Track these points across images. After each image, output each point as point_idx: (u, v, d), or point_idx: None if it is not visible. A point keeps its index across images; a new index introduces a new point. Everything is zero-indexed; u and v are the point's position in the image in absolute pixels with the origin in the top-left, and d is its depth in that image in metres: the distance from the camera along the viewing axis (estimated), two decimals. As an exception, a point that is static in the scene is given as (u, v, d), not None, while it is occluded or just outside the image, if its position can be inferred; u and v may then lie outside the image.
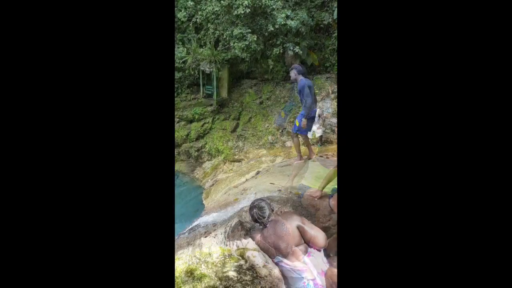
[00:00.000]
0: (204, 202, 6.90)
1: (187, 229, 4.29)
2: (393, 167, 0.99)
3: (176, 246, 3.60)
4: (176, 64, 8.80)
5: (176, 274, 2.31)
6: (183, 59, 8.66)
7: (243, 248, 2.75)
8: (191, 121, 9.50)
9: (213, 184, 7.35)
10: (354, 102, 1.05)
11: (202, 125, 9.70)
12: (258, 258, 2.49)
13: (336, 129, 5.08)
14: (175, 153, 9.10)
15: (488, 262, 0.86)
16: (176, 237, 4.63)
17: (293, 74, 4.26)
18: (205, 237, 3.57)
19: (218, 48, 8.29)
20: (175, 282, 2.22)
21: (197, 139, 9.28)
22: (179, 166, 9.12)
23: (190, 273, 2.32)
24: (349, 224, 1.02)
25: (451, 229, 0.91)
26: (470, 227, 0.90)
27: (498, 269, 0.85)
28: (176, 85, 11.90)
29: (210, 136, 9.31)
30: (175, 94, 11.96)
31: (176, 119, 10.52)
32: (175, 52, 8.66)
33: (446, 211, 0.92)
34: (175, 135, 9.35)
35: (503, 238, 0.86)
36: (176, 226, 6.54)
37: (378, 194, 0.99)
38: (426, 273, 0.92)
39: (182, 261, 2.51)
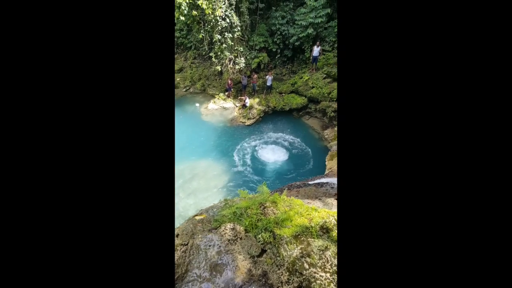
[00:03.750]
0: (326, 163, 6.57)
1: (314, 181, 4.16)
2: (392, 167, 1.01)
3: (306, 190, 3.55)
4: None
5: (312, 224, 2.13)
6: None
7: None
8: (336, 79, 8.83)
9: (340, 150, 6.80)
10: (354, 101, 1.09)
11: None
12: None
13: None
14: (311, 110, 8.81)
15: (488, 261, 0.88)
16: (304, 180, 4.66)
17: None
18: (335, 199, 3.28)
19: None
20: (311, 232, 2.04)
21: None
22: (311, 122, 8.94)
23: (326, 231, 2.08)
24: (349, 224, 1.05)
25: (450, 227, 0.92)
26: (469, 225, 0.91)
27: (498, 269, 0.87)
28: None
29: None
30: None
31: (323, 75, 9.98)
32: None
33: (444, 209, 0.94)
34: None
35: (503, 240, 0.88)
36: (301, 170, 6.64)
37: (377, 193, 1.01)
38: (426, 272, 0.92)
39: (318, 213, 2.29)
